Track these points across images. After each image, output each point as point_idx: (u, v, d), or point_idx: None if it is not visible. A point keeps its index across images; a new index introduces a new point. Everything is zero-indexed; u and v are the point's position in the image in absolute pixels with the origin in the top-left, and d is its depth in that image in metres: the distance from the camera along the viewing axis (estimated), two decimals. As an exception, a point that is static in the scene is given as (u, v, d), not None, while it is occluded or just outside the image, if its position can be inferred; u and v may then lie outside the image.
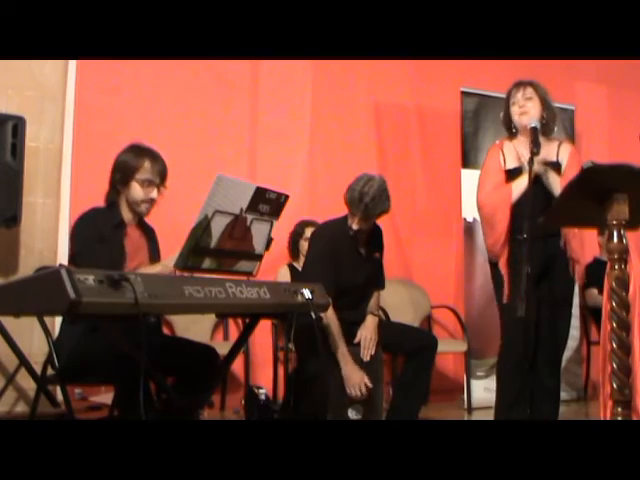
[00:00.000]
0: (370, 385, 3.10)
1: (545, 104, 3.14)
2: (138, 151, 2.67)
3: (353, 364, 3.11)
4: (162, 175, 2.68)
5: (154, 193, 2.65)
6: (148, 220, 2.84)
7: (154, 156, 2.67)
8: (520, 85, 3.17)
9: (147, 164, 2.64)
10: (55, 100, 4.00)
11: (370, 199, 3.09)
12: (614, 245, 2.16)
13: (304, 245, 4.37)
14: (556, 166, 3.13)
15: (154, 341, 2.45)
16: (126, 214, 2.69)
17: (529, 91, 3.14)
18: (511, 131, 3.22)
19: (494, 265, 3.21)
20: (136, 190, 2.64)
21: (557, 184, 3.05)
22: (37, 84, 3.90)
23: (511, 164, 3.19)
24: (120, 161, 2.66)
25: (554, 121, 3.20)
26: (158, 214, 2.82)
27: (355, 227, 3.20)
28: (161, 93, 4.59)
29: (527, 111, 3.11)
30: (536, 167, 2.98)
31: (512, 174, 3.17)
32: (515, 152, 3.17)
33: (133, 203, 2.66)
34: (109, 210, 2.67)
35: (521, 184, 3.07)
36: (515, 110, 3.15)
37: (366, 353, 3.19)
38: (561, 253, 3.14)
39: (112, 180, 2.67)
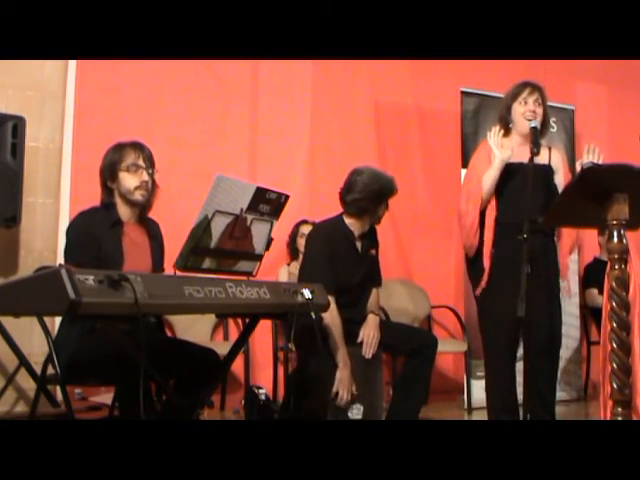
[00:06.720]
0: (351, 396, 3.11)
1: (546, 110, 3.18)
2: (119, 146, 2.67)
3: (349, 370, 3.10)
4: (148, 159, 2.66)
5: (144, 176, 2.63)
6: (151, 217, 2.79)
7: (135, 144, 2.67)
8: (531, 87, 3.16)
9: (129, 151, 2.63)
10: (55, 100, 4.01)
11: (387, 178, 3.25)
12: (614, 245, 2.16)
13: (301, 243, 4.38)
14: (548, 170, 3.16)
15: (154, 341, 2.45)
16: (124, 212, 2.65)
17: (540, 97, 3.16)
18: (507, 127, 3.21)
19: (472, 259, 3.19)
20: (125, 179, 2.62)
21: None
22: (37, 84, 3.90)
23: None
24: (104, 161, 2.67)
25: (548, 127, 3.28)
26: (158, 214, 2.82)
27: (366, 226, 3.28)
28: (161, 93, 4.58)
29: (536, 116, 3.12)
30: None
31: None
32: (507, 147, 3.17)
33: (127, 193, 2.62)
34: (105, 210, 2.64)
35: (491, 172, 3.09)
36: (521, 109, 3.14)
37: (368, 351, 3.18)
38: (548, 249, 3.14)
39: (102, 182, 2.67)
